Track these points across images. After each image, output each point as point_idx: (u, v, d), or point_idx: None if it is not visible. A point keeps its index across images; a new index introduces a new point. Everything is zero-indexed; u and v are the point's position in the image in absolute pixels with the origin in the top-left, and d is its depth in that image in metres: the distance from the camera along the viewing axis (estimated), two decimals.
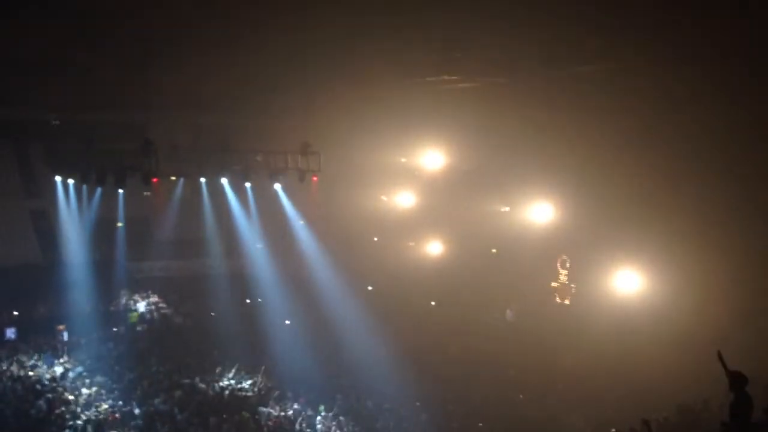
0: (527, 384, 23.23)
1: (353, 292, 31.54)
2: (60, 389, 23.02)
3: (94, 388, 23.34)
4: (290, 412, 21.91)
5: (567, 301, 28.46)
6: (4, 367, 24.43)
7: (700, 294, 21.41)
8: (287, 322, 30.02)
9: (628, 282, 24.93)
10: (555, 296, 28.85)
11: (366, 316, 29.88)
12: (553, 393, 22.66)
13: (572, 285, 28.35)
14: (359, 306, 30.50)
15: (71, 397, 22.43)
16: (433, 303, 32.13)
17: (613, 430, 15.81)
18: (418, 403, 22.55)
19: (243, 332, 28.25)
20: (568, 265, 28.64)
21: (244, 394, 23.32)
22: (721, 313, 20.96)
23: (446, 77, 23.10)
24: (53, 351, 26.36)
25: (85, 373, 24.61)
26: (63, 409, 21.50)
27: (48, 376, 24.07)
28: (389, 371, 25.26)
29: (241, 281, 31.40)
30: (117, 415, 21.25)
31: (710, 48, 17.24)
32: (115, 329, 29.10)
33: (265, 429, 20.60)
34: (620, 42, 17.65)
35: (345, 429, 20.66)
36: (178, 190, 30.60)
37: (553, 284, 28.89)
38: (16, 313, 28.41)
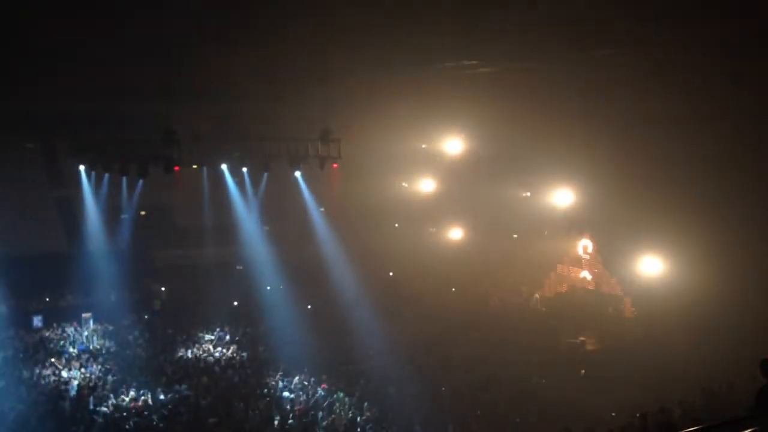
0: (550, 368, 23.18)
1: (374, 278, 31.66)
2: (87, 376, 23.37)
3: (119, 375, 23.66)
4: (312, 398, 22.04)
5: (590, 286, 28.44)
6: (33, 354, 24.92)
7: (723, 279, 21.27)
8: (309, 306, 30.32)
9: (651, 266, 24.84)
10: (577, 281, 28.83)
11: (387, 301, 30.01)
12: (576, 377, 22.63)
13: (594, 270, 28.30)
14: (380, 292, 30.62)
15: (98, 384, 22.74)
16: (453, 289, 32.17)
17: (638, 414, 15.73)
18: (443, 388, 22.60)
19: (264, 318, 28.55)
20: (590, 249, 28.59)
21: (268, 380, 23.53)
22: (743, 296, 20.82)
23: (466, 63, 22.99)
24: (80, 338, 26.84)
25: (110, 361, 24.94)
26: (90, 395, 21.80)
27: (76, 363, 24.44)
28: (411, 357, 25.36)
29: (261, 269, 31.55)
30: (140, 402, 21.52)
31: (740, 31, 17.01)
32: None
33: (291, 414, 20.76)
34: (645, 26, 17.45)
35: (367, 414, 20.75)
36: (200, 178, 30.81)
37: (575, 269, 28.86)
38: (48, 299, 28.94)
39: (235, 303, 30.69)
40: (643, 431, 13.15)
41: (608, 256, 27.48)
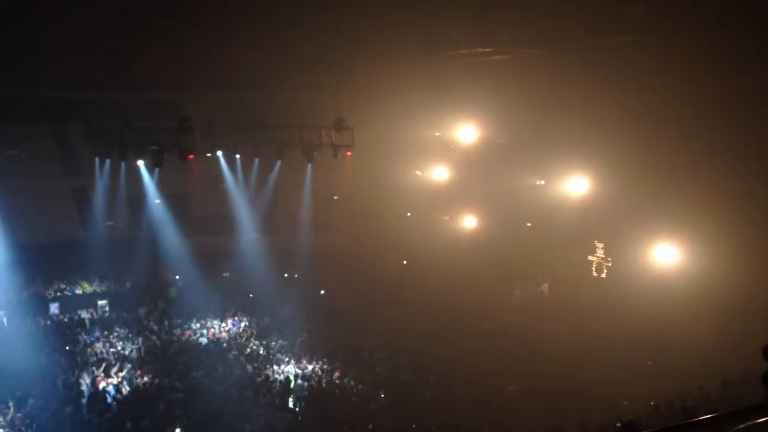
0: (563, 358, 23.11)
1: (387, 266, 31.65)
2: (104, 364, 23.55)
3: (134, 361, 23.85)
4: (326, 384, 22.13)
5: (603, 275, 28.23)
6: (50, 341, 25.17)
7: (740, 266, 21.08)
8: (322, 291, 30.38)
9: (666, 255, 24.63)
10: (591, 270, 28.63)
11: (400, 290, 30.02)
12: (590, 366, 22.54)
13: (609, 258, 28.10)
14: (393, 280, 30.63)
15: (113, 371, 22.93)
16: (467, 278, 32.04)
17: (652, 402, 15.69)
18: (458, 375, 22.60)
19: (279, 305, 28.64)
20: (604, 238, 28.37)
21: (282, 366, 23.64)
22: (761, 285, 20.62)
23: (480, 49, 22.86)
24: (95, 326, 27.05)
25: (126, 348, 25.13)
26: (105, 383, 22.00)
27: (90, 351, 24.65)
28: (424, 345, 25.37)
29: (276, 256, 31.61)
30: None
31: (755, 15, 16.76)
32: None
33: (303, 402, 20.88)
34: (660, 10, 17.26)
35: (379, 400, 20.80)
36: (216, 166, 30.90)
37: (590, 258, 28.67)
38: (64, 287, 29.20)
39: (251, 295, 30.77)
40: (657, 420, 13.12)
41: (622, 244, 27.27)
